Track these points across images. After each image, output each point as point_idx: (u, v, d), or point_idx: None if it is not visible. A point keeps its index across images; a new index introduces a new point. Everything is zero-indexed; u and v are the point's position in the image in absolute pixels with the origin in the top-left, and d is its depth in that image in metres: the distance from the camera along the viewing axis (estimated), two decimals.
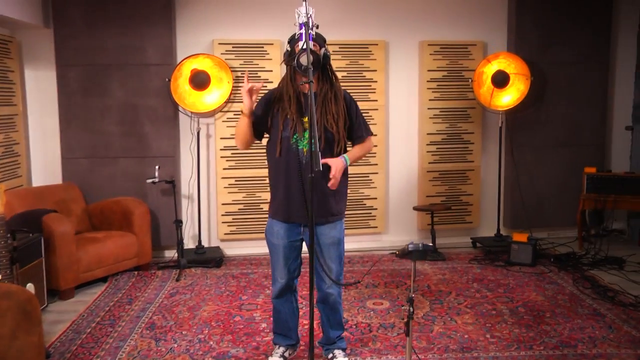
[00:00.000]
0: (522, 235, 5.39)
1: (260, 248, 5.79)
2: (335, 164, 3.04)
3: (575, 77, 6.13)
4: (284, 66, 3.22)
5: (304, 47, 2.91)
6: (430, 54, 5.92)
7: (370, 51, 5.80)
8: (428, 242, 3.89)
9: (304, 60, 2.99)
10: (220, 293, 4.67)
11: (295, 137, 3.11)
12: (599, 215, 6.35)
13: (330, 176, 3.01)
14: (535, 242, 5.34)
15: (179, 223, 5.18)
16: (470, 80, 5.78)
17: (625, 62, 6.32)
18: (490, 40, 6.08)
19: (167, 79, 5.31)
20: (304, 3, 2.93)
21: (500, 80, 5.66)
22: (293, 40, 3.15)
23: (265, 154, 3.29)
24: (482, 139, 6.10)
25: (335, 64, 5.68)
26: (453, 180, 6.11)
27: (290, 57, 3.12)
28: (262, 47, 5.66)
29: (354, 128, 3.25)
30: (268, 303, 4.37)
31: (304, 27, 2.93)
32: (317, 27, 2.93)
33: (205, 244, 5.67)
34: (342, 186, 3.23)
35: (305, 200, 3.08)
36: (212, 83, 5.34)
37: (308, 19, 2.88)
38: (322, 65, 3.09)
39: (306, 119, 3.12)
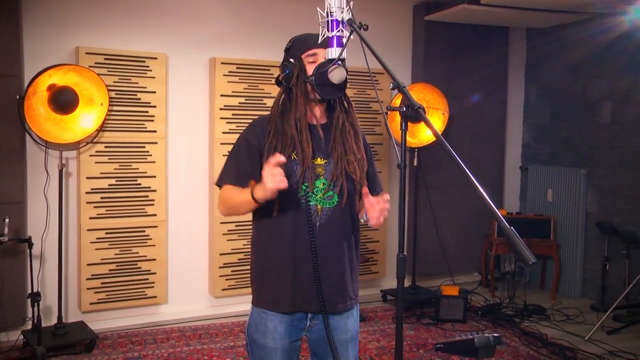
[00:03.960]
0: (452, 288, 4.80)
1: (137, 318, 4.48)
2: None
3: (477, 114, 5.80)
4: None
5: (337, 57, 1.99)
6: None
7: (272, 73, 4.84)
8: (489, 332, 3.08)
9: (336, 75, 2.05)
10: None
11: (305, 187, 2.10)
12: (495, 258, 6.07)
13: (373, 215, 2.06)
14: (467, 296, 4.78)
15: (35, 297, 3.67)
16: (385, 113, 5.10)
17: (516, 101, 6.18)
18: (395, 70, 5.48)
19: (17, 97, 3.83)
20: None
21: (415, 114, 5.08)
22: (303, 45, 2.15)
23: None
24: (388, 179, 5.46)
25: (233, 87, 4.70)
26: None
27: (302, 72, 2.12)
28: (144, 61, 4.41)
29: (369, 178, 2.32)
30: None
31: (339, 26, 1.99)
32: (367, 29, 1.99)
33: (64, 318, 4.20)
34: (357, 259, 2.29)
35: (319, 277, 2.08)
36: (81, 104, 4.00)
37: (350, 13, 1.96)
38: None
39: (319, 161, 2.15)
